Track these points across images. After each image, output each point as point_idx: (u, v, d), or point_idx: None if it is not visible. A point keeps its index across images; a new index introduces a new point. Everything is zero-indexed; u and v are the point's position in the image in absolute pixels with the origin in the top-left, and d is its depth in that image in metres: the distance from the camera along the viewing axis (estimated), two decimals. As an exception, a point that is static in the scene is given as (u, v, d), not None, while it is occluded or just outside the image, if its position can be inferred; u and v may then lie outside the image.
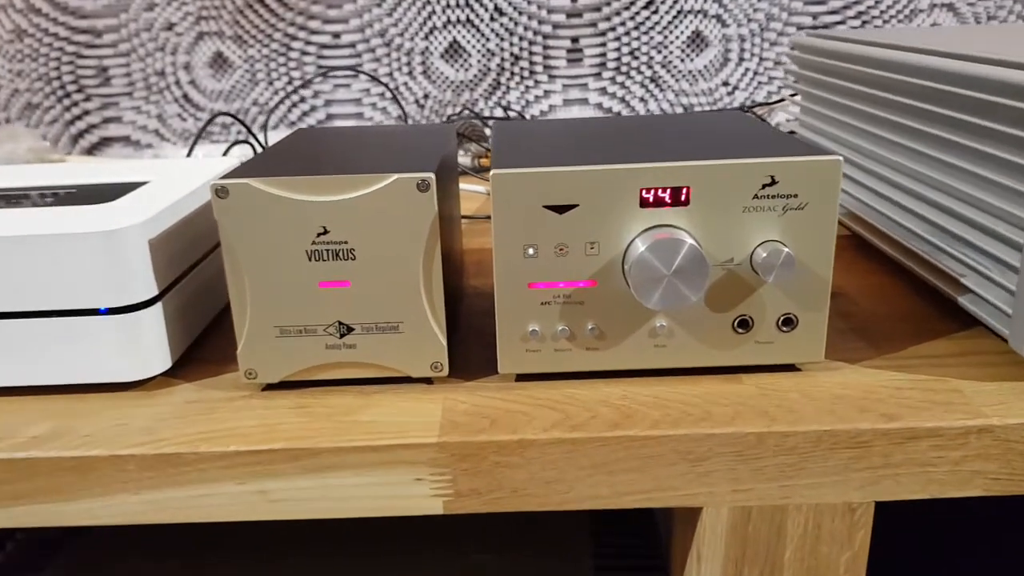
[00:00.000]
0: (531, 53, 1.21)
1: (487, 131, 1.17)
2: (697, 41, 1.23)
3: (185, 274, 0.56)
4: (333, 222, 0.48)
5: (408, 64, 1.21)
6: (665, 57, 1.23)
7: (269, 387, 0.52)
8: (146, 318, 0.51)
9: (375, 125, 0.86)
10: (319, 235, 0.48)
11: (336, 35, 1.19)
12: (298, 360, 0.50)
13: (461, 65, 1.21)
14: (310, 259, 0.49)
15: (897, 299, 0.63)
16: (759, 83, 1.25)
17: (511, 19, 1.20)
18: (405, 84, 1.22)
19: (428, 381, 0.52)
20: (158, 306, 0.52)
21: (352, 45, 1.20)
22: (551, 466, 0.46)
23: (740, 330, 0.50)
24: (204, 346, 0.58)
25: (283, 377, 0.51)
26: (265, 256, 0.48)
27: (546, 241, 0.48)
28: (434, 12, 1.19)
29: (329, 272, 0.49)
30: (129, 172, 0.64)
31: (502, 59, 1.22)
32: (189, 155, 1.04)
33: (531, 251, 0.48)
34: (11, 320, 0.50)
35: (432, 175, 0.47)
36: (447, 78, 1.22)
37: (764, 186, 0.47)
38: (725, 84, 1.25)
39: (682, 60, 1.23)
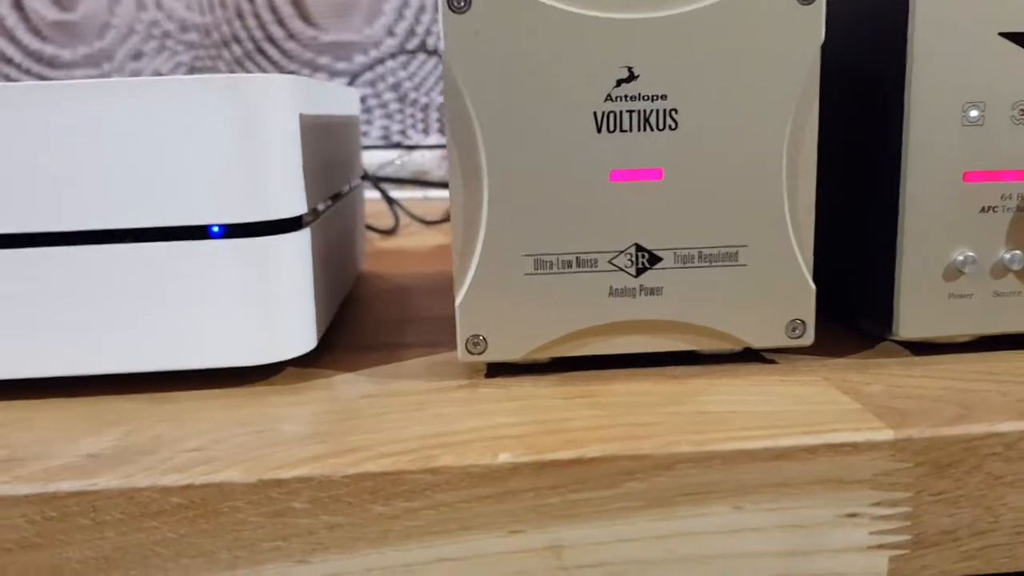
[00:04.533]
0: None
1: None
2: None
3: (331, 202, 0.33)
4: (647, 59, 0.26)
5: (424, 120, 1.00)
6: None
7: (492, 372, 0.29)
8: (292, 248, 0.28)
9: None
10: (621, 83, 0.26)
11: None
12: (561, 318, 0.27)
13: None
14: (600, 128, 0.26)
15: None
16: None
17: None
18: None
19: (762, 359, 0.29)
20: (305, 233, 0.28)
21: (362, 99, 0.99)
22: (1101, 479, 0.24)
23: None
24: (337, 326, 0.35)
25: (535, 349, 0.28)
26: (522, 120, 0.26)
27: (1000, 97, 0.27)
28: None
29: (630, 152, 0.26)
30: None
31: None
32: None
33: (974, 113, 0.27)
34: (34, 249, 0.26)
35: (821, -24, 0.26)
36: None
37: None
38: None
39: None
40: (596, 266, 0.27)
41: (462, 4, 0.25)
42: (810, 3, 0.26)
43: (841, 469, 0.23)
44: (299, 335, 0.28)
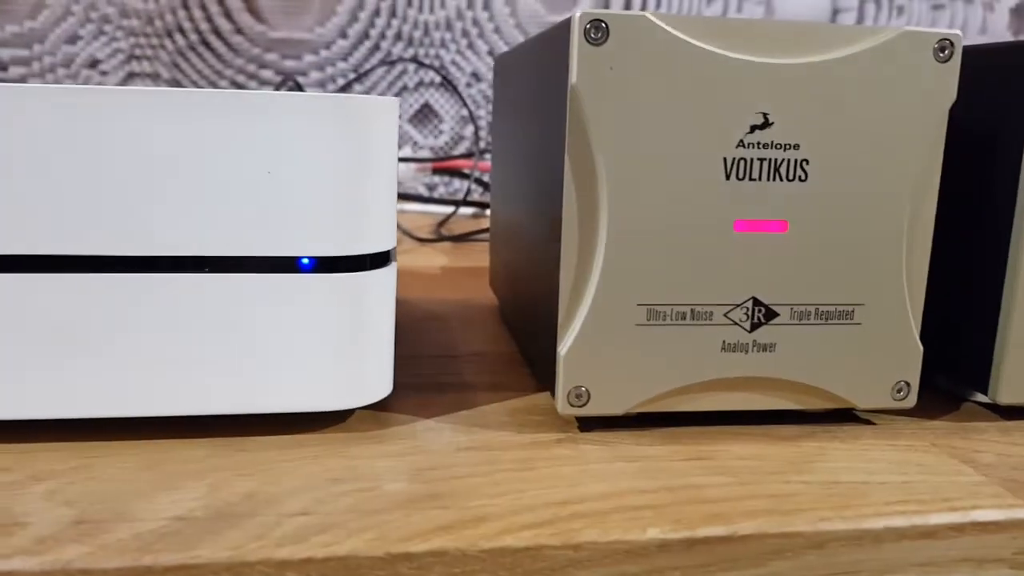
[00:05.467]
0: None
1: None
2: None
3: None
4: (783, 105, 0.25)
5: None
6: None
7: (584, 425, 0.27)
8: (382, 284, 0.25)
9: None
10: (755, 129, 0.25)
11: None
12: (669, 372, 0.26)
13: (431, 131, 0.96)
14: (728, 175, 0.25)
15: None
16: None
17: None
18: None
19: (855, 419, 0.28)
20: (393, 269, 0.26)
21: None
22: None
23: None
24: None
25: (639, 403, 0.26)
26: (649, 160, 0.24)
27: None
28: (405, 72, 0.95)
29: (757, 202, 0.25)
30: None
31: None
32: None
33: (1089, 183, 0.27)
34: (100, 275, 0.23)
35: (959, 34, 0.25)
36: (415, 143, 0.97)
37: None
38: None
39: None
40: (711, 319, 0.26)
41: (599, 36, 0.23)
42: (947, 61, 0.25)
43: (984, 547, 0.22)
44: (380, 378, 0.26)
